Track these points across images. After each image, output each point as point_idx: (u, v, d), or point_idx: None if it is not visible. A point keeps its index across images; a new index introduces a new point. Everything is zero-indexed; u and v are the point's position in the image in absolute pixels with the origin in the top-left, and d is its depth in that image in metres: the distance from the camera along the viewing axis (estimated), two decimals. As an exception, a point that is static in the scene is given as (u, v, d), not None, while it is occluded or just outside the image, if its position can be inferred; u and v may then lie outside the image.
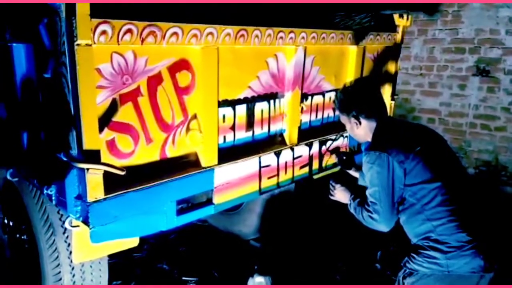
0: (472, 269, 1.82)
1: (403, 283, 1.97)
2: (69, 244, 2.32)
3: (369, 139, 2.07)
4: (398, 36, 3.21)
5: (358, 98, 2.07)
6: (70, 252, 2.35)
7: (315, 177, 2.90)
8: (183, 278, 3.33)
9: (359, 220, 2.04)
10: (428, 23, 5.05)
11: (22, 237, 2.76)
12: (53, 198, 1.91)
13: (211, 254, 3.69)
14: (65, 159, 1.67)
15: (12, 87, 2.08)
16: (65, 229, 2.32)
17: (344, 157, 2.46)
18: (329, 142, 2.82)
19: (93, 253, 2.08)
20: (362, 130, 2.07)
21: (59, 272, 2.32)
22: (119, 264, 3.33)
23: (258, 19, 2.14)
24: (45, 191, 1.94)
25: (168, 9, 1.80)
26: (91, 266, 2.44)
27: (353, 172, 2.48)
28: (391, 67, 3.31)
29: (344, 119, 2.13)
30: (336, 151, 2.83)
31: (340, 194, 2.21)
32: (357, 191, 2.09)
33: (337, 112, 2.26)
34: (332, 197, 2.27)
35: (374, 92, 2.13)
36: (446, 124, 5.08)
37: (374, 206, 1.92)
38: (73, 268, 2.36)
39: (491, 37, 4.65)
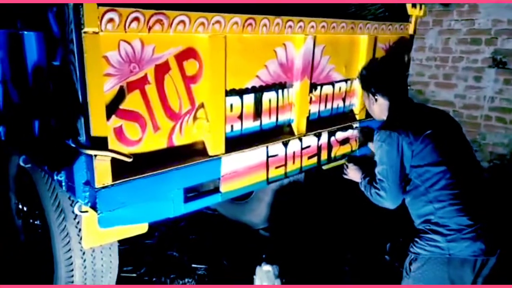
0: (473, 252, 1.85)
1: (410, 269, 2.02)
2: (79, 230, 2.36)
3: (384, 117, 2.17)
4: (411, 26, 3.15)
5: (378, 76, 2.18)
6: (81, 237, 2.40)
7: (324, 167, 2.90)
8: (193, 265, 3.38)
9: (368, 198, 2.12)
10: (444, 13, 4.96)
11: (36, 222, 2.83)
12: (63, 184, 1.95)
13: (221, 242, 3.74)
14: (73, 145, 1.71)
15: (24, 75, 2.12)
16: (76, 214, 2.38)
17: (366, 130, 2.66)
18: (338, 133, 2.80)
19: (103, 238, 2.11)
20: (377, 108, 2.18)
21: (71, 256, 2.37)
22: (130, 250, 3.39)
23: (269, 8, 2.14)
24: (55, 177, 1.99)
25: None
26: (101, 252, 2.49)
27: (371, 145, 2.64)
28: (403, 57, 3.26)
29: (364, 94, 2.26)
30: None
31: (353, 173, 2.34)
32: (369, 171, 2.17)
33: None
34: (345, 176, 2.41)
35: (396, 73, 2.22)
36: (461, 117, 5.00)
37: (381, 184, 1.99)
38: (84, 253, 2.40)
39: (509, 28, 4.55)
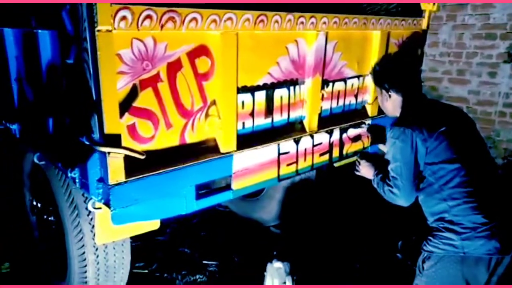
0: (488, 251, 1.83)
1: (423, 267, 2.00)
2: (93, 226, 2.39)
3: (397, 114, 2.14)
4: (424, 22, 3.12)
5: (392, 72, 2.14)
6: (94, 234, 2.43)
7: (336, 165, 2.88)
8: (204, 261, 3.40)
9: (381, 195, 2.10)
10: (457, 8, 4.88)
11: (49, 218, 2.87)
12: (77, 180, 1.97)
13: (232, 239, 3.75)
14: (87, 142, 1.72)
15: (38, 73, 2.14)
16: (89, 211, 2.40)
17: (374, 128, 2.65)
18: (350, 130, 2.78)
19: (115, 234, 2.14)
20: (391, 104, 2.15)
21: (84, 252, 2.40)
22: (142, 247, 3.42)
23: (280, 6, 2.14)
24: (69, 174, 2.01)
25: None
26: (114, 248, 2.51)
27: (381, 146, 2.61)
28: (417, 53, 3.23)
29: (377, 90, 2.23)
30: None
31: (365, 170, 2.30)
32: (382, 168, 2.14)
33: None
34: (357, 173, 2.37)
35: (409, 69, 2.18)
36: (475, 113, 4.93)
37: (395, 181, 1.97)
38: (97, 249, 2.43)
39: (525, 22, 4.46)
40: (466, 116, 2.10)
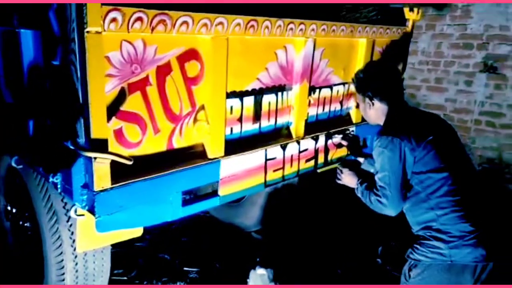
0: (474, 259, 1.85)
1: (409, 275, 2.00)
2: (72, 233, 2.32)
3: (380, 122, 2.12)
4: (408, 30, 3.17)
5: (375, 79, 2.11)
6: (73, 241, 2.35)
7: (319, 170, 2.88)
8: (185, 268, 3.34)
9: (366, 204, 2.07)
10: (437, 17, 5.00)
11: (25, 224, 2.76)
12: (59, 186, 1.90)
13: (213, 245, 3.70)
14: (72, 147, 1.66)
15: (19, 74, 2.06)
16: (69, 217, 2.32)
17: (351, 135, 2.62)
18: (335, 136, 2.79)
19: (97, 242, 2.07)
20: (374, 112, 2.12)
21: (62, 260, 2.32)
22: (121, 253, 3.33)
23: (259, 8, 2.10)
24: (50, 179, 1.93)
25: None
26: (93, 255, 2.44)
27: (359, 157, 2.58)
28: (400, 61, 3.28)
29: (359, 98, 2.19)
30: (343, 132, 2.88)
31: (348, 179, 2.25)
32: (364, 176, 2.13)
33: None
34: (339, 181, 2.32)
35: (393, 77, 2.15)
36: (451, 120, 5.04)
37: (383, 191, 1.94)
38: (76, 257, 2.36)
39: (501, 33, 4.60)
40: (447, 124, 2.10)
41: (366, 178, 2.13)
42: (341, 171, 2.29)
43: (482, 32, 4.71)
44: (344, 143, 2.81)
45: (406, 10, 3.12)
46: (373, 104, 2.09)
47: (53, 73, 1.77)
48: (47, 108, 1.92)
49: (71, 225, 2.30)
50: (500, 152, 4.75)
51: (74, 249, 2.38)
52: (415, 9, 3.12)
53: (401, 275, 2.08)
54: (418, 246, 1.95)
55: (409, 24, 3.17)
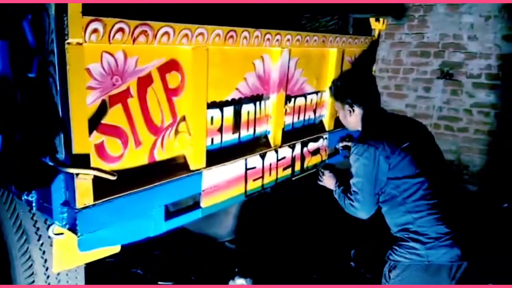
0: (450, 259, 1.94)
1: (389, 276, 2.06)
2: (44, 252, 2.21)
3: (360, 128, 2.18)
4: (374, 40, 3.28)
5: (354, 86, 2.18)
6: (45, 260, 2.24)
7: (293, 178, 2.91)
8: (159, 283, 3.25)
9: (341, 206, 2.15)
10: (396, 27, 5.21)
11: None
12: (34, 204, 1.79)
13: (186, 257, 3.63)
14: (51, 163, 1.58)
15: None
16: (40, 236, 2.21)
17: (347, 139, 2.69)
18: (310, 144, 2.84)
19: (74, 261, 2.00)
20: (354, 118, 2.18)
21: (33, 281, 2.20)
22: (92, 271, 3.19)
23: (219, 18, 2.07)
24: (24, 197, 1.83)
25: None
26: (67, 274, 2.34)
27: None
28: (368, 69, 3.38)
29: (338, 105, 2.25)
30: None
31: (328, 181, 2.35)
32: (343, 179, 2.20)
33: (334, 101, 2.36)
34: (320, 183, 2.41)
35: (370, 83, 2.24)
36: (412, 125, 5.24)
37: (356, 196, 2.03)
38: (48, 277, 2.25)
39: (455, 42, 4.86)
40: (425, 128, 2.20)
41: (343, 182, 2.20)
42: (323, 173, 2.38)
43: (438, 41, 4.96)
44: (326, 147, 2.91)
45: (372, 20, 3.23)
46: (353, 110, 2.15)
47: (28, 85, 1.68)
48: (18, 122, 1.82)
49: (42, 244, 2.20)
50: (458, 154, 5.00)
51: (46, 269, 2.27)
52: (381, 19, 3.24)
53: (377, 277, 2.15)
54: (396, 248, 2.02)
55: (376, 33, 3.27)
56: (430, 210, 1.93)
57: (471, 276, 2.06)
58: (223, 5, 2.16)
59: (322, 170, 2.38)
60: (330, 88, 2.32)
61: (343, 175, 2.29)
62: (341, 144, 2.82)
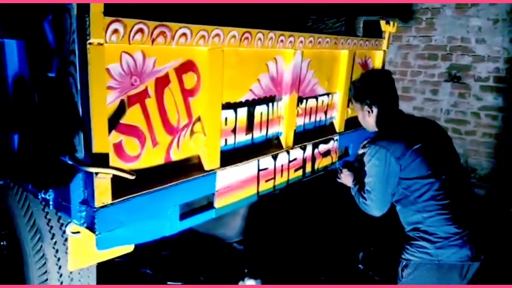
0: (460, 259, 1.95)
1: (402, 275, 2.10)
2: (57, 250, 2.23)
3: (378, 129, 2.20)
4: (385, 42, 3.29)
5: (374, 87, 2.20)
6: (59, 259, 2.26)
7: (304, 179, 2.92)
8: (168, 283, 3.26)
9: (357, 203, 2.20)
10: (403, 29, 5.21)
11: (2, 243, 2.61)
12: (51, 203, 1.81)
13: (195, 257, 3.64)
14: (71, 162, 1.60)
15: (2, 86, 1.96)
16: (53, 234, 2.23)
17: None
18: (321, 145, 2.84)
19: (89, 260, 2.02)
20: (373, 119, 2.20)
21: (46, 279, 2.22)
22: (102, 271, 3.21)
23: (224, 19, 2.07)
24: (41, 196, 1.84)
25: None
26: (79, 273, 2.36)
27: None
28: (387, 71, 3.37)
29: (357, 107, 2.26)
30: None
31: (346, 178, 2.38)
32: (360, 179, 2.23)
33: (352, 102, 2.39)
34: (339, 180, 2.45)
35: (389, 83, 2.24)
36: (419, 128, 5.24)
37: (368, 194, 2.08)
38: (61, 275, 2.27)
39: (462, 45, 4.86)
40: (441, 130, 2.21)
41: (360, 181, 2.22)
42: (341, 171, 2.41)
43: (446, 44, 4.96)
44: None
45: (382, 23, 3.24)
46: (372, 111, 2.16)
47: (46, 85, 1.70)
48: (36, 122, 1.84)
49: (55, 243, 2.22)
50: (466, 157, 4.99)
51: (59, 268, 2.29)
52: (391, 22, 3.25)
53: (385, 279, 2.17)
54: (408, 247, 2.06)
55: (386, 36, 3.28)
56: (440, 211, 1.96)
57: (485, 278, 2.07)
58: (223, 5, 2.17)
59: (341, 168, 2.42)
60: (350, 89, 2.34)
61: (360, 174, 2.32)
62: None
